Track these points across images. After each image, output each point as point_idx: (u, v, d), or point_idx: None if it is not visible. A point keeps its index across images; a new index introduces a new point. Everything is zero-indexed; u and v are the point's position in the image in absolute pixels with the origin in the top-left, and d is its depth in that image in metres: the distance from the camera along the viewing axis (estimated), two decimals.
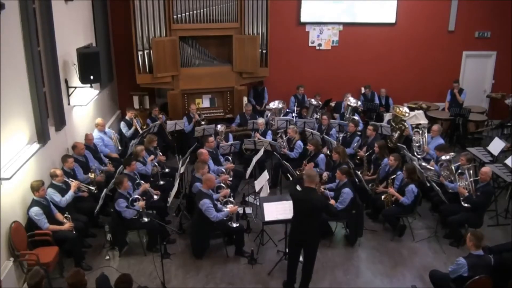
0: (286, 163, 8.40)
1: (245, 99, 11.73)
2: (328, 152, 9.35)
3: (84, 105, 9.04)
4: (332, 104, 12.27)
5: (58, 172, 7.19)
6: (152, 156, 8.73)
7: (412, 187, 7.49)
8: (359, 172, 8.31)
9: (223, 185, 7.93)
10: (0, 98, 5.96)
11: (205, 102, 11.86)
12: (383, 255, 7.32)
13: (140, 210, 7.13)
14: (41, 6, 7.32)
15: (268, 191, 7.43)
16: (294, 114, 11.12)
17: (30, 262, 6.09)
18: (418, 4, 12.77)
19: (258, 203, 8.18)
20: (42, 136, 7.08)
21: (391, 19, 12.85)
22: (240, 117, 11.16)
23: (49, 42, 7.54)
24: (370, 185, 8.32)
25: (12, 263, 5.98)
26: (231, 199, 7.53)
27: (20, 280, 6.16)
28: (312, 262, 6.16)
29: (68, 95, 8.56)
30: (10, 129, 6.22)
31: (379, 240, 7.70)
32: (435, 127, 9.59)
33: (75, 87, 8.73)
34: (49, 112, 7.75)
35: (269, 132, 10.13)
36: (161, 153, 9.31)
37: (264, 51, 11.62)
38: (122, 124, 10.40)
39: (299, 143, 9.47)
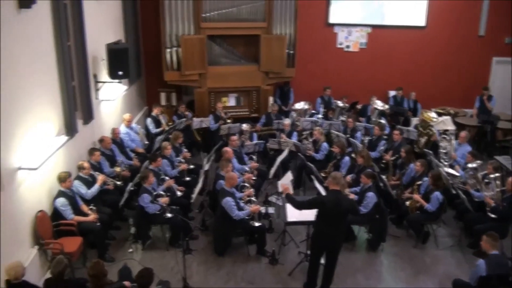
0: (311, 164, 8.32)
1: (271, 99, 11.69)
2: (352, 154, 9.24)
3: (112, 100, 9.14)
4: (359, 106, 12.13)
5: (86, 164, 7.30)
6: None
7: (437, 194, 7.31)
8: (384, 177, 8.18)
9: (247, 184, 7.90)
10: (31, 91, 6.09)
11: (231, 101, 11.86)
12: (406, 261, 7.18)
13: (164, 205, 7.16)
14: (72, 2, 7.44)
15: (292, 191, 7.34)
16: (319, 116, 11.04)
17: (54, 251, 6.18)
18: (448, 6, 12.54)
19: (281, 203, 8.13)
20: (70, 129, 7.18)
21: (421, 22, 12.66)
22: (265, 117, 11.12)
23: (79, 37, 7.66)
24: (394, 190, 8.17)
25: (36, 251, 6.07)
26: (253, 198, 7.51)
27: (44, 268, 6.25)
28: (334, 265, 6.08)
29: (97, 90, 8.67)
30: (39, 121, 6.32)
31: (402, 246, 7.55)
32: (463, 133, 9.39)
33: (104, 82, 8.82)
34: (77, 106, 7.85)
35: (295, 133, 10.06)
36: (186, 150, 9.34)
37: (291, 52, 11.57)
38: (149, 120, 10.48)
39: (325, 145, 9.37)
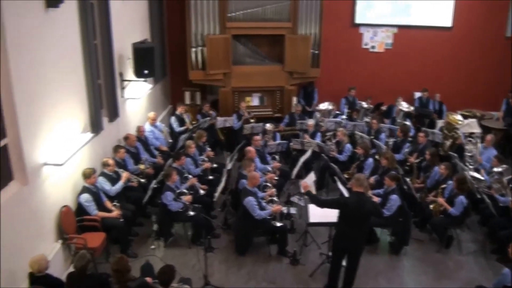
0: (334, 165, 8.24)
1: (294, 99, 11.62)
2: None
3: (137, 98, 9.21)
4: (384, 108, 11.96)
5: (111, 161, 7.37)
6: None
7: (461, 198, 7.13)
8: (408, 179, 8.03)
9: (269, 184, 7.86)
10: (58, 88, 6.18)
11: (255, 101, 11.84)
12: (428, 266, 7.02)
13: (187, 203, 7.19)
14: (99, 1, 7.52)
15: (314, 192, 7.27)
16: (344, 116, 10.93)
17: (77, 246, 6.26)
18: (475, 7, 12.23)
19: (303, 204, 8.06)
20: (95, 126, 7.27)
21: (447, 22, 12.38)
22: (289, 117, 11.06)
23: (106, 36, 7.74)
24: (418, 193, 8.01)
25: (60, 245, 6.17)
26: (275, 198, 7.47)
27: (67, 262, 6.33)
28: (356, 268, 6.00)
29: (122, 88, 8.75)
30: (65, 118, 6.41)
31: (424, 250, 7.40)
32: (489, 137, 9.16)
33: (130, 81, 8.91)
34: (103, 104, 7.94)
35: (318, 133, 9.96)
36: (210, 148, 9.35)
37: (316, 52, 11.49)
38: (173, 118, 10.53)
39: (348, 146, 9.26)
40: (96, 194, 6.83)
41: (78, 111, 6.84)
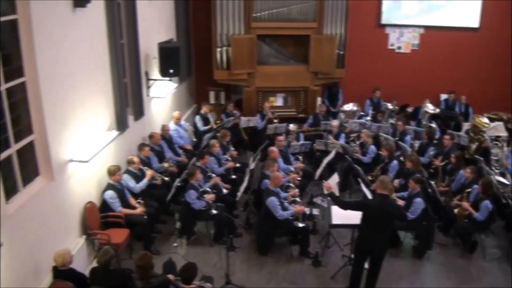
0: (358, 167, 8.14)
1: (319, 99, 11.53)
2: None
3: (163, 97, 9.26)
4: (409, 109, 11.75)
5: (135, 159, 7.43)
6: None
7: (487, 203, 6.93)
8: (432, 183, 7.85)
9: (292, 184, 7.80)
10: (84, 86, 6.27)
11: (279, 101, 11.79)
12: (451, 271, 6.85)
13: (210, 202, 7.18)
14: (126, 1, 7.59)
15: (337, 194, 7.19)
16: (368, 118, 10.78)
17: (101, 241, 6.32)
18: (502, 7, 11.86)
19: (326, 205, 7.97)
20: (121, 124, 7.34)
21: (475, 23, 12.06)
22: (313, 117, 10.97)
23: (132, 35, 7.81)
24: (443, 197, 7.83)
25: (84, 240, 6.23)
26: (298, 199, 7.41)
27: (90, 257, 6.41)
28: (378, 271, 5.90)
29: (148, 87, 8.81)
30: (91, 116, 6.49)
31: (448, 255, 7.22)
32: None
33: (155, 80, 8.96)
34: (129, 102, 8.01)
35: (342, 134, 9.86)
36: (233, 148, 9.34)
37: (341, 52, 11.37)
38: (197, 118, 10.56)
39: (372, 147, 9.13)
40: (121, 191, 6.88)
41: (104, 109, 6.91)
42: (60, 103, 5.56)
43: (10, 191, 4.87)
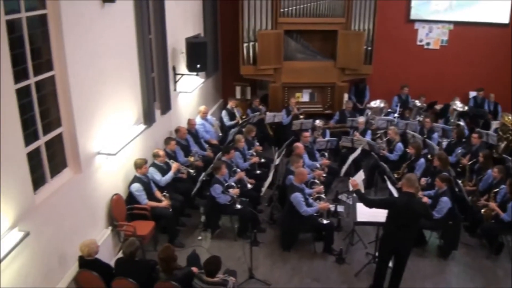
0: (384, 164, 7.99)
1: (345, 96, 11.40)
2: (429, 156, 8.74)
3: (189, 92, 9.28)
4: (438, 107, 11.48)
5: (161, 153, 7.45)
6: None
7: None
8: (460, 182, 7.65)
9: (317, 180, 7.73)
10: (113, 81, 6.30)
11: (305, 97, 11.70)
12: (477, 272, 6.66)
13: (234, 196, 7.17)
14: None
15: (363, 191, 7.06)
16: (396, 115, 10.57)
17: (127, 233, 6.38)
18: None
19: (351, 202, 7.85)
20: (148, 118, 7.37)
21: (505, 19, 11.64)
22: (339, 114, 10.84)
23: (160, 30, 7.81)
24: (470, 196, 7.60)
25: (110, 231, 6.29)
26: (322, 195, 7.32)
27: (116, 248, 6.48)
28: (402, 270, 5.79)
29: (175, 82, 8.83)
30: (119, 110, 6.53)
31: (474, 256, 7.01)
32: None
33: (182, 75, 8.97)
34: (156, 97, 8.03)
35: (369, 131, 9.71)
36: (258, 143, 9.31)
37: (369, 48, 11.18)
38: (224, 112, 10.57)
39: (399, 145, 8.93)
40: (147, 184, 6.92)
41: (132, 103, 6.96)
42: (88, 96, 5.61)
43: (38, 182, 4.94)
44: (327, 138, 9.53)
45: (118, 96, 6.47)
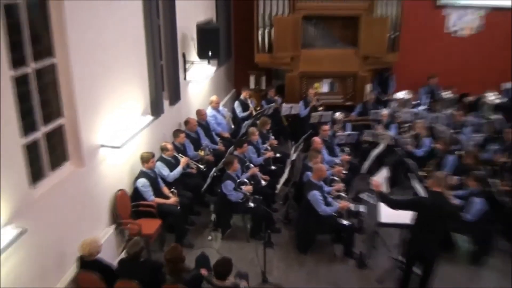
0: (410, 161, 7.89)
1: (368, 86, 11.32)
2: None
3: (200, 81, 9.25)
4: (469, 99, 11.29)
5: (169, 146, 7.42)
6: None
7: None
8: (494, 181, 7.46)
9: (336, 178, 7.68)
10: (119, 68, 6.26)
11: (325, 87, 11.64)
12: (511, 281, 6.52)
13: (247, 194, 7.12)
14: None
15: (386, 190, 6.96)
16: (423, 107, 10.47)
17: (132, 231, 6.36)
18: None
19: (373, 202, 7.74)
20: (156, 109, 7.35)
21: None
22: (361, 106, 10.79)
23: (169, 15, 7.75)
24: (506, 197, 7.42)
25: (113, 230, 6.28)
26: (343, 193, 7.29)
27: (119, 248, 6.47)
28: (429, 277, 5.66)
29: (185, 70, 8.79)
30: (125, 99, 6.50)
31: (509, 263, 6.86)
32: None
33: (193, 62, 8.93)
34: (164, 86, 8.00)
35: (393, 125, 9.63)
36: (273, 137, 9.26)
37: (394, 35, 11.08)
38: (236, 103, 10.55)
39: (427, 140, 8.83)
40: (154, 179, 6.90)
41: (138, 93, 6.93)
42: (92, 85, 5.58)
43: (37, 176, 4.91)
44: (348, 132, 9.48)
45: (124, 85, 6.43)
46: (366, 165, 8.22)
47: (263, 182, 7.84)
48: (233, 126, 10.07)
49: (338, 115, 9.75)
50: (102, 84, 5.82)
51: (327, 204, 6.81)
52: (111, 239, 6.20)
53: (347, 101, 11.53)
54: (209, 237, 7.29)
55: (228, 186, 7.06)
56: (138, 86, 6.89)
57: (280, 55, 10.94)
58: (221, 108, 10.03)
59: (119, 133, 6.15)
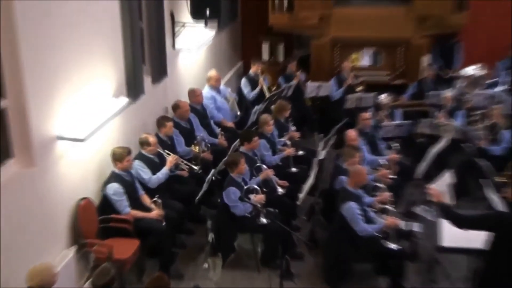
0: (485, 161, 7.90)
1: (426, 59, 11.38)
2: None
3: (194, 50, 9.22)
4: None
5: (151, 139, 7.43)
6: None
7: None
8: None
9: (381, 185, 7.68)
10: (82, 33, 6.24)
11: (365, 59, 11.79)
12: None
13: (258, 206, 7.10)
14: None
15: (450, 202, 6.92)
16: (501, 88, 10.50)
17: (99, 256, 6.33)
18: None
19: (432, 218, 7.70)
20: (133, 89, 7.39)
21: None
22: (416, 85, 10.85)
23: None
24: None
25: (73, 253, 6.25)
26: (389, 206, 7.26)
27: (83, 277, 6.48)
28: None
29: (174, 35, 8.85)
30: (91, 76, 6.51)
31: None
32: None
33: (184, 24, 8.96)
34: (145, 57, 8.03)
35: (460, 112, 9.65)
36: (294, 127, 9.25)
37: None
38: (244, 81, 10.62)
39: (507, 133, 8.79)
40: (130, 185, 6.93)
41: (109, 68, 6.96)
42: (47, 56, 5.57)
43: None
44: (397, 121, 9.51)
45: (91, 57, 6.45)
46: (422, 167, 8.14)
47: (280, 190, 7.82)
48: (239, 113, 10.14)
49: (383, 98, 9.77)
50: (60, 56, 5.82)
51: (368, 220, 6.81)
52: (71, 266, 6.18)
53: (396, 79, 11.64)
54: (205, 265, 7.26)
55: (231, 195, 7.06)
56: (109, 58, 6.91)
57: (304, 14, 11.03)
58: (222, 87, 10.10)
59: (83, 121, 6.14)
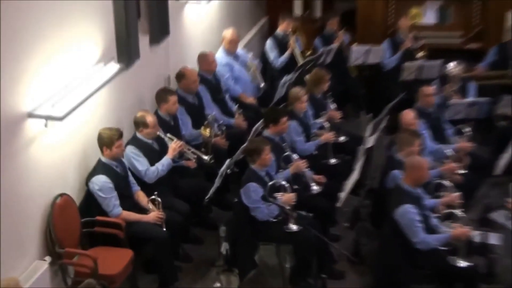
0: None
1: (510, 15, 11.16)
2: None
3: (204, 2, 9.26)
4: None
5: (150, 118, 7.46)
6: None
7: None
8: None
9: (447, 183, 7.63)
10: None
11: (429, 16, 11.80)
12: None
13: (286, 208, 7.12)
14: None
15: None
16: None
17: (80, 270, 6.42)
18: None
19: None
20: (125, 52, 7.39)
21: None
22: (497, 50, 10.76)
23: None
24: None
25: (48, 265, 6.24)
26: (458, 211, 7.20)
27: None
28: None
29: None
30: (74, 38, 6.53)
31: None
32: None
33: None
34: (141, 11, 8.02)
35: None
36: (335, 105, 9.27)
37: None
38: (269, 43, 10.66)
39: None
40: (122, 178, 7.00)
41: (95, 26, 6.99)
42: (16, 16, 5.56)
43: None
44: (471, 98, 9.49)
45: (71, 13, 6.45)
46: (502, 160, 8.14)
47: (315, 188, 7.87)
48: (262, 85, 10.11)
49: (452, 67, 9.72)
50: (33, 11, 5.81)
51: (430, 229, 6.82)
52: (43, 282, 6.16)
53: (470, 42, 11.62)
54: (217, 284, 7.34)
55: (252, 194, 7.08)
56: (95, 13, 6.93)
57: None
58: (241, 51, 10.12)
59: (61, 95, 6.14)
